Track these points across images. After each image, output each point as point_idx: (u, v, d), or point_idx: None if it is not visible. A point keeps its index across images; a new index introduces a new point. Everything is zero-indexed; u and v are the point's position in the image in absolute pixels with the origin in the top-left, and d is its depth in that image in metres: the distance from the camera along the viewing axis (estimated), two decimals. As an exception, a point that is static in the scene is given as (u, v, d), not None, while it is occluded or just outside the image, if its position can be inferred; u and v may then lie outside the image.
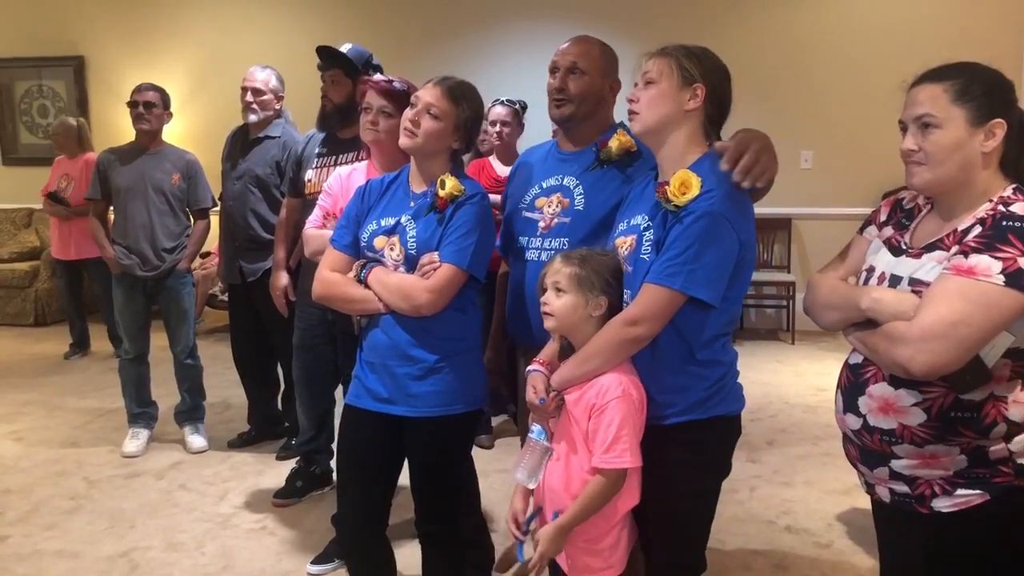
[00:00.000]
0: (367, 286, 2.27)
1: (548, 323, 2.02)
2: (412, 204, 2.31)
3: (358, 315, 2.36)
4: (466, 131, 2.32)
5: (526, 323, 2.33)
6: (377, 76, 2.85)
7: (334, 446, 3.75)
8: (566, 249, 2.17)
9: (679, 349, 1.95)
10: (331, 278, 2.34)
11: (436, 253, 2.22)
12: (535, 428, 2.07)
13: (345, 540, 2.58)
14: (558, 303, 1.98)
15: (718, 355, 2.00)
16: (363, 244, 2.33)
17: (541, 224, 2.31)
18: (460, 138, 2.32)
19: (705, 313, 1.91)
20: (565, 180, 2.33)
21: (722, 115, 2.03)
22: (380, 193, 2.40)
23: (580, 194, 2.28)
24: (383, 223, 2.31)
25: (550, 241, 2.28)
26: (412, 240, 2.25)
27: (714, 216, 1.85)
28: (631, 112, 2.00)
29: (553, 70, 2.35)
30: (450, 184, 2.24)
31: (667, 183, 1.91)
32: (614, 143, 2.28)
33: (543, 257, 2.25)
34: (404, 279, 2.23)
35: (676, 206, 1.88)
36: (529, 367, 2.11)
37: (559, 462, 2.00)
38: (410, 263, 2.25)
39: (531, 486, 2.05)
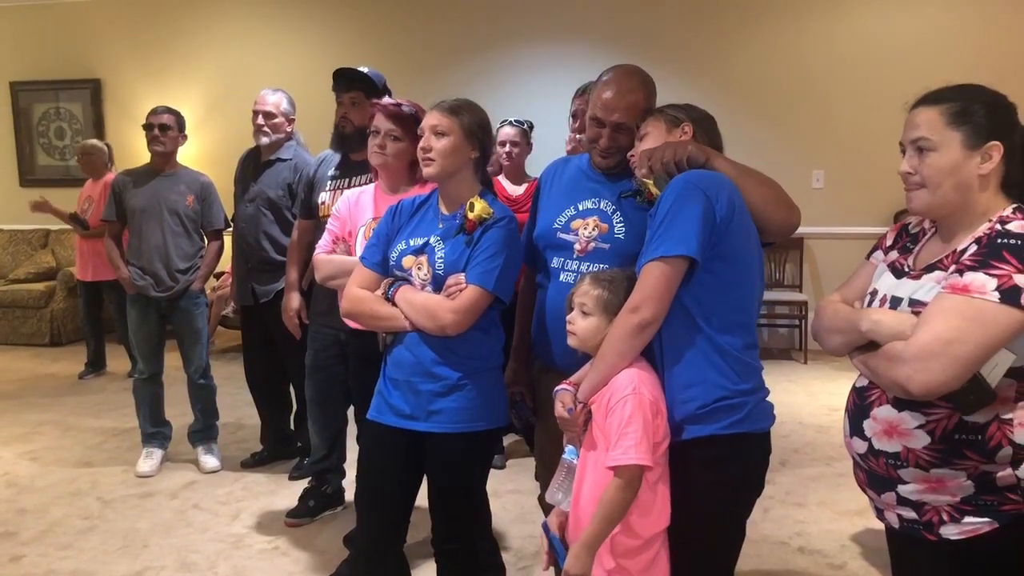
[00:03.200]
0: (394, 304, 2.30)
1: (571, 341, 2.07)
2: (441, 225, 2.35)
3: (384, 332, 2.39)
4: (477, 137, 2.34)
5: (554, 344, 2.32)
6: (385, 99, 2.87)
7: (346, 466, 3.79)
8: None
9: (690, 326, 1.95)
10: (359, 295, 2.38)
11: (462, 275, 2.25)
12: (568, 448, 2.09)
13: (362, 557, 2.58)
14: (582, 324, 2.03)
15: (740, 352, 1.97)
16: (392, 263, 2.37)
17: (577, 247, 2.30)
18: (475, 145, 2.34)
19: (706, 288, 1.94)
20: (601, 204, 2.32)
21: (715, 146, 2.15)
22: (411, 213, 2.43)
23: (620, 221, 2.27)
24: (412, 243, 2.35)
25: (587, 266, 2.26)
26: (440, 261, 2.28)
27: (679, 186, 1.94)
28: (633, 162, 2.18)
29: (598, 123, 2.30)
30: (479, 207, 2.28)
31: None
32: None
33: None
34: (430, 299, 2.27)
35: (656, 189, 2.03)
36: (557, 387, 2.12)
37: (589, 483, 1.98)
38: (437, 283, 2.28)
39: (565, 507, 2.05)
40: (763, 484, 2.07)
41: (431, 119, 2.31)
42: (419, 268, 2.31)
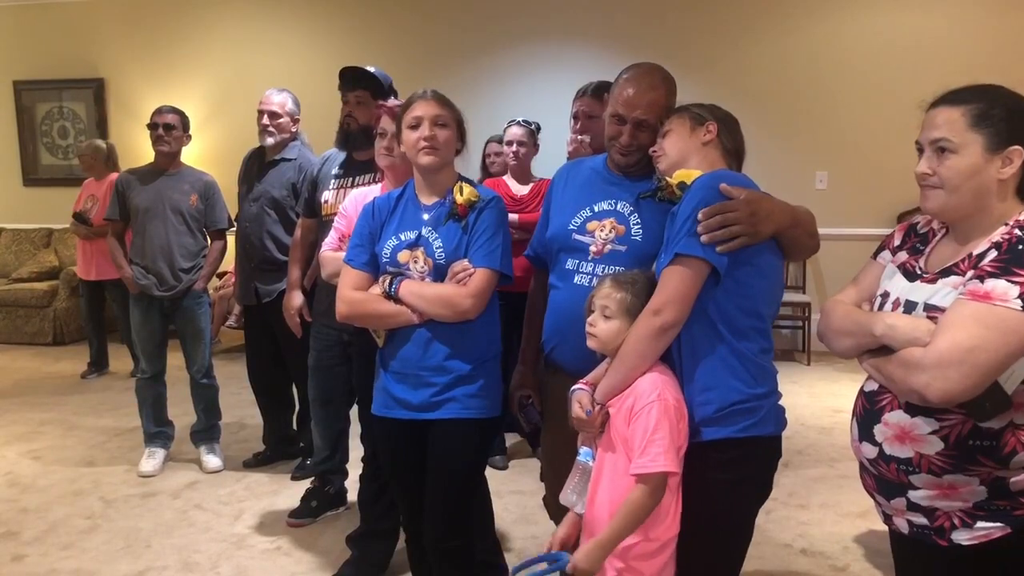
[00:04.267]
0: (397, 300, 2.31)
1: (592, 343, 2.06)
2: (426, 216, 2.37)
3: (387, 329, 2.39)
4: (462, 129, 2.43)
5: (567, 346, 2.30)
6: (391, 101, 2.88)
7: (349, 466, 3.79)
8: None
9: (709, 330, 1.95)
10: (356, 296, 2.38)
11: (467, 260, 2.28)
12: (583, 450, 2.08)
13: (414, 542, 2.58)
14: (604, 327, 2.02)
15: (757, 356, 1.98)
16: (384, 260, 2.37)
17: (593, 249, 2.27)
18: (460, 136, 2.42)
19: (727, 292, 1.94)
20: (618, 205, 2.29)
21: (737, 148, 2.19)
22: (390, 210, 2.44)
23: (637, 223, 2.25)
24: (403, 237, 2.35)
25: (603, 268, 2.23)
26: (439, 250, 2.30)
27: (703, 187, 1.95)
28: (656, 157, 2.18)
29: (619, 119, 2.27)
30: (467, 191, 2.33)
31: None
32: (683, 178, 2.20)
33: (593, 283, 2.21)
34: (442, 288, 2.28)
35: (683, 183, 2.03)
36: (574, 387, 2.11)
37: (606, 486, 1.97)
38: (439, 273, 2.30)
39: (579, 510, 2.03)
40: (772, 485, 2.09)
41: (431, 108, 2.33)
42: (415, 261, 2.32)
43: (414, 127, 2.33)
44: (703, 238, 1.90)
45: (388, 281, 2.33)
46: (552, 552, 2.04)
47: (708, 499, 1.96)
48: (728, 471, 1.96)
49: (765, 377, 2.00)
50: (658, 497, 1.87)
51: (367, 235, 2.43)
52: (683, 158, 2.11)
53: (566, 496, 2.06)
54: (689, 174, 2.04)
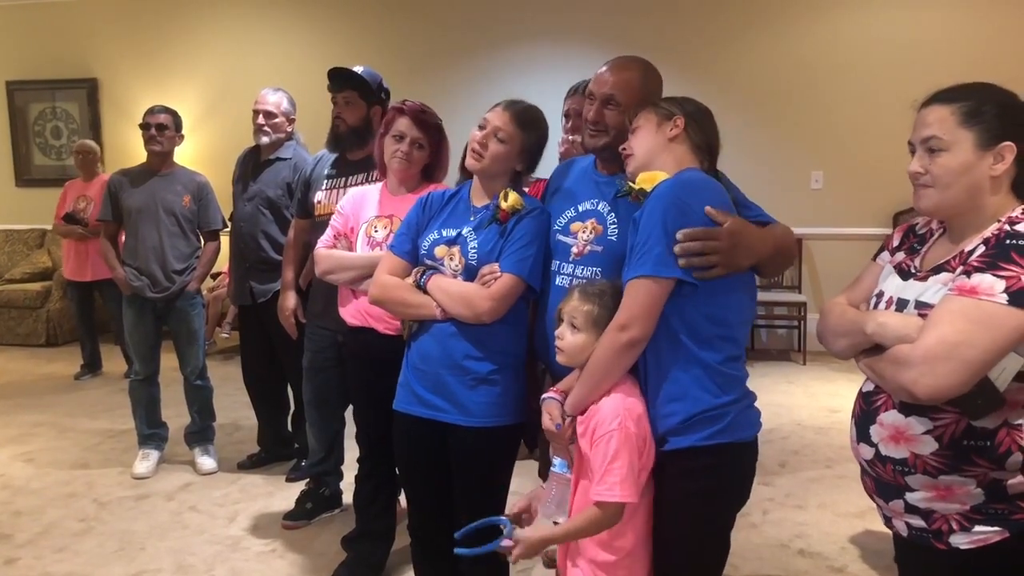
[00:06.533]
0: (426, 292, 2.32)
1: (560, 358, 2.03)
2: (473, 218, 2.38)
3: (412, 320, 2.40)
4: (530, 155, 2.40)
5: (554, 349, 2.30)
6: (409, 102, 2.84)
7: (344, 468, 3.77)
8: (596, 278, 2.15)
9: (672, 341, 1.92)
10: (389, 282, 2.41)
11: (496, 264, 2.27)
12: (557, 461, 2.07)
13: (417, 543, 2.59)
14: (571, 339, 1.99)
15: (722, 365, 1.93)
16: (423, 252, 2.40)
17: (574, 250, 2.26)
18: (524, 161, 2.39)
19: (690, 301, 1.90)
20: (599, 205, 2.27)
21: (709, 142, 2.10)
22: (441, 205, 2.47)
23: (613, 223, 2.23)
24: (444, 233, 2.38)
25: (582, 269, 2.22)
26: (473, 251, 2.31)
27: (662, 196, 1.90)
28: (625, 157, 2.12)
29: (589, 97, 2.29)
30: (512, 197, 2.31)
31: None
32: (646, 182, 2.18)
33: (573, 284, 2.18)
34: (466, 287, 2.28)
35: (643, 190, 1.99)
36: (544, 395, 2.10)
37: (580, 497, 1.97)
38: (470, 273, 2.30)
39: (560, 520, 2.02)
40: (748, 493, 2.04)
41: (499, 119, 2.33)
42: (451, 258, 2.34)
43: (480, 128, 2.35)
44: (681, 262, 1.85)
45: (420, 273, 2.36)
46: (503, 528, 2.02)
47: (678, 508, 1.93)
48: (696, 480, 1.92)
49: (732, 385, 1.95)
50: (614, 522, 1.88)
51: (414, 225, 2.45)
52: (650, 158, 2.05)
53: (547, 510, 2.03)
54: (653, 177, 1.99)
